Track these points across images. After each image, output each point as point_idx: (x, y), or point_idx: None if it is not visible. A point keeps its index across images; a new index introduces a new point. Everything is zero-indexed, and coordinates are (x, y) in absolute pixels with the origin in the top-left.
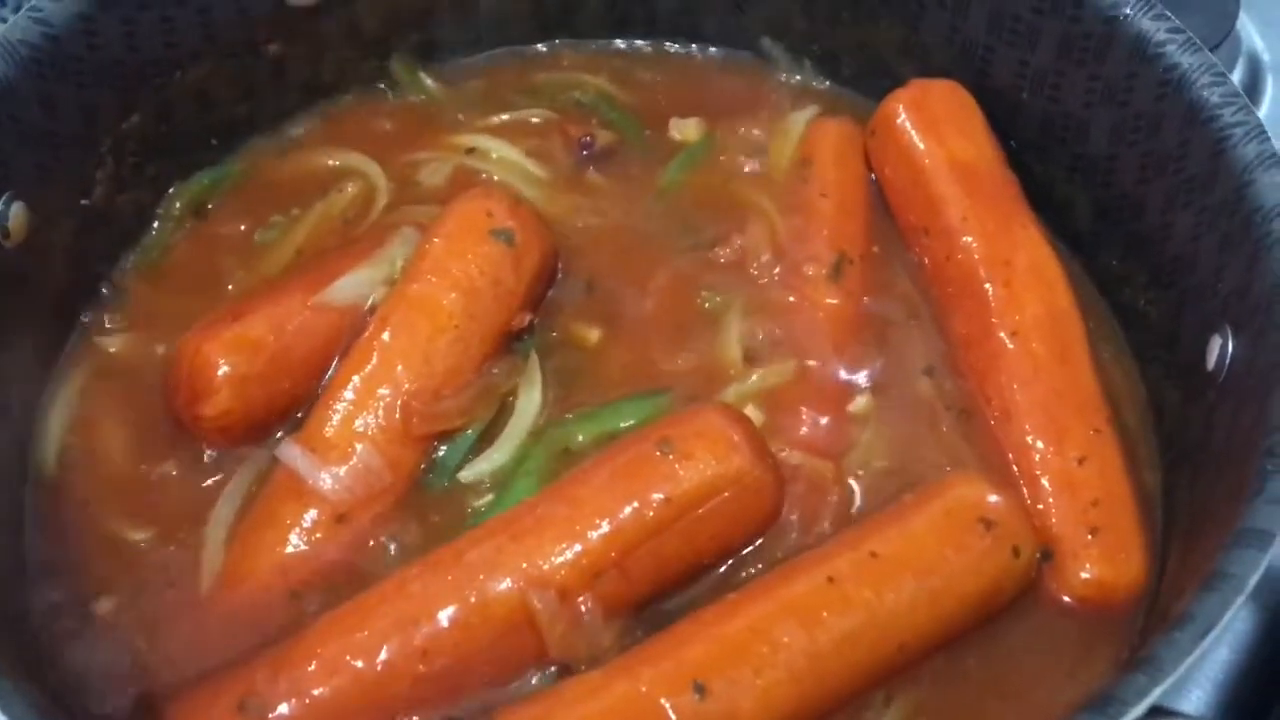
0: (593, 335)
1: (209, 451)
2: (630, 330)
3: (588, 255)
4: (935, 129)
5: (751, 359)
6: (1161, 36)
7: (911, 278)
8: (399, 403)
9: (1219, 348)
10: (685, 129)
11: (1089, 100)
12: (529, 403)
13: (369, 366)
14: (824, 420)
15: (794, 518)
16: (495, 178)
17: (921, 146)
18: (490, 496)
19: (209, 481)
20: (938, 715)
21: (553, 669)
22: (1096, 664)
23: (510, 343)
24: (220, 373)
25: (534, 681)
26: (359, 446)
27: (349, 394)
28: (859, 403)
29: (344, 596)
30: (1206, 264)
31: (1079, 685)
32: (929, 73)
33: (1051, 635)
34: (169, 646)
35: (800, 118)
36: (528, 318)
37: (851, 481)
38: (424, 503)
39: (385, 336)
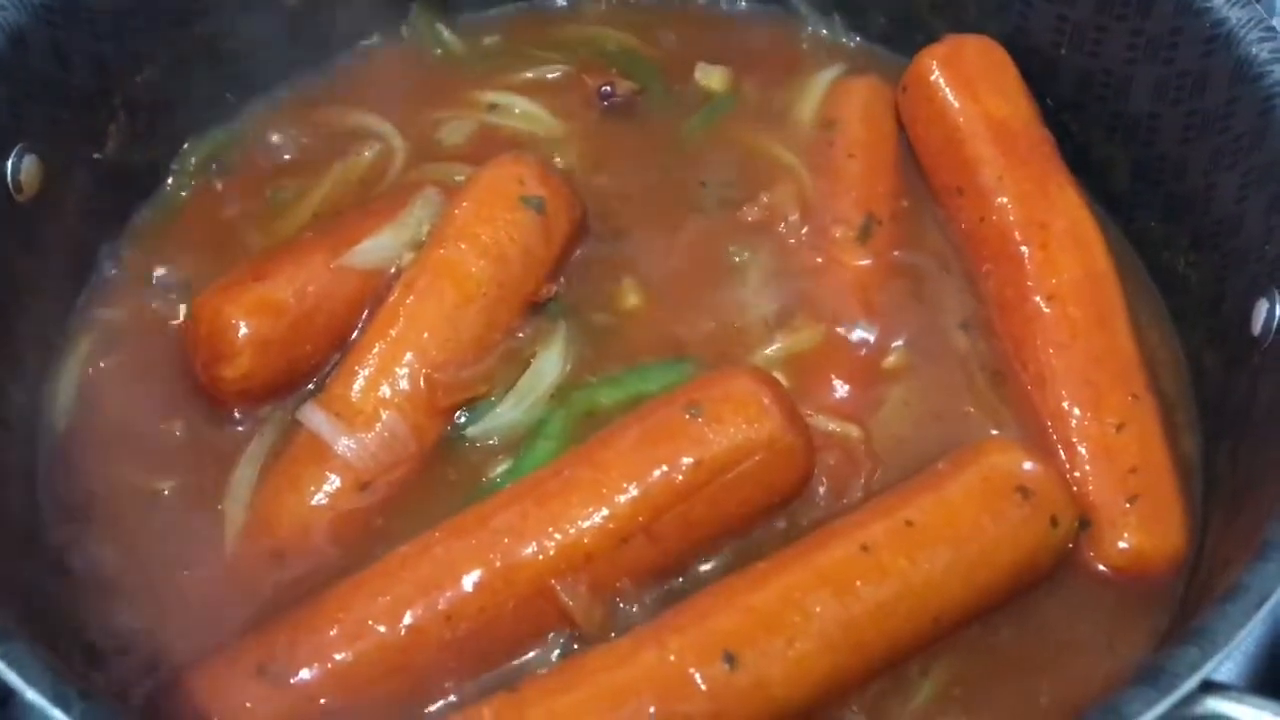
0: (619, 298)
1: (225, 411)
2: (657, 292)
3: (614, 213)
4: (970, 86)
5: (779, 323)
6: None
7: (943, 231)
8: (424, 373)
9: (1265, 312)
10: (710, 75)
11: (1130, 57)
12: (547, 363)
13: (394, 332)
14: (853, 385)
15: (823, 484)
16: (518, 134)
17: (955, 105)
18: (508, 463)
19: (225, 441)
20: (973, 687)
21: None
22: (1135, 635)
23: (536, 307)
24: (241, 335)
25: (560, 645)
26: (385, 414)
27: (374, 359)
28: (891, 358)
29: (364, 561)
30: (1253, 226)
31: (1117, 657)
32: (963, 28)
33: (1088, 606)
34: (187, 608)
35: (824, 77)
36: (554, 288)
37: (882, 443)
38: (443, 468)
39: (411, 302)
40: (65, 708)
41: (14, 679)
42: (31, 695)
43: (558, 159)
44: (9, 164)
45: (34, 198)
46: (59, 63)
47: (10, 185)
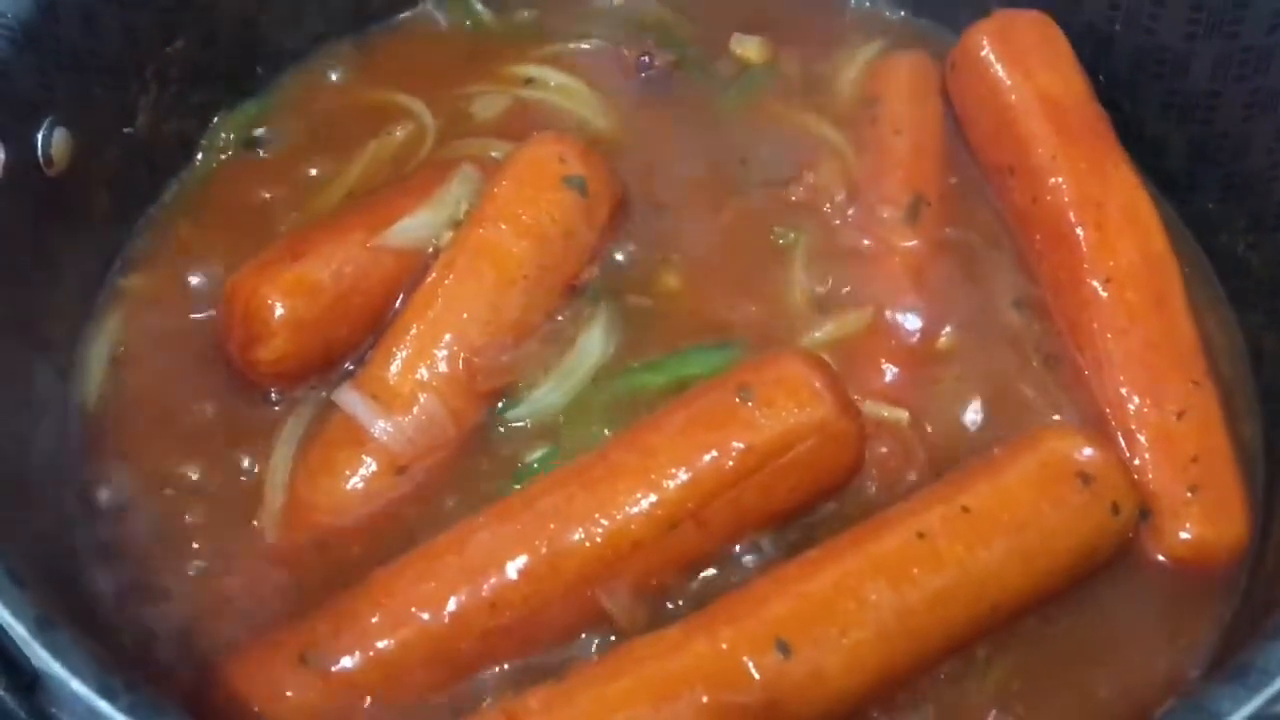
0: (661, 280)
1: (259, 391)
2: (699, 274)
3: (653, 192)
4: (1022, 62)
5: (825, 306)
6: None
7: (992, 209)
8: (463, 356)
9: None
10: (746, 45)
11: (1191, 33)
12: (588, 346)
13: (433, 313)
14: (903, 369)
15: (873, 477)
16: (553, 108)
17: (1007, 81)
18: (546, 449)
19: (258, 422)
20: (1032, 680)
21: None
22: (1196, 627)
23: (576, 289)
24: (277, 316)
25: (603, 639)
26: (423, 397)
27: (412, 341)
28: (942, 340)
29: (404, 547)
30: None
31: (1178, 649)
32: (1013, 3)
33: (1147, 596)
34: (225, 593)
35: (867, 51)
36: (595, 270)
37: (934, 428)
38: (481, 453)
39: (450, 283)
40: (111, 698)
41: (58, 669)
42: (76, 685)
43: (594, 135)
44: (39, 137)
45: (64, 172)
46: (89, 33)
47: (40, 158)
